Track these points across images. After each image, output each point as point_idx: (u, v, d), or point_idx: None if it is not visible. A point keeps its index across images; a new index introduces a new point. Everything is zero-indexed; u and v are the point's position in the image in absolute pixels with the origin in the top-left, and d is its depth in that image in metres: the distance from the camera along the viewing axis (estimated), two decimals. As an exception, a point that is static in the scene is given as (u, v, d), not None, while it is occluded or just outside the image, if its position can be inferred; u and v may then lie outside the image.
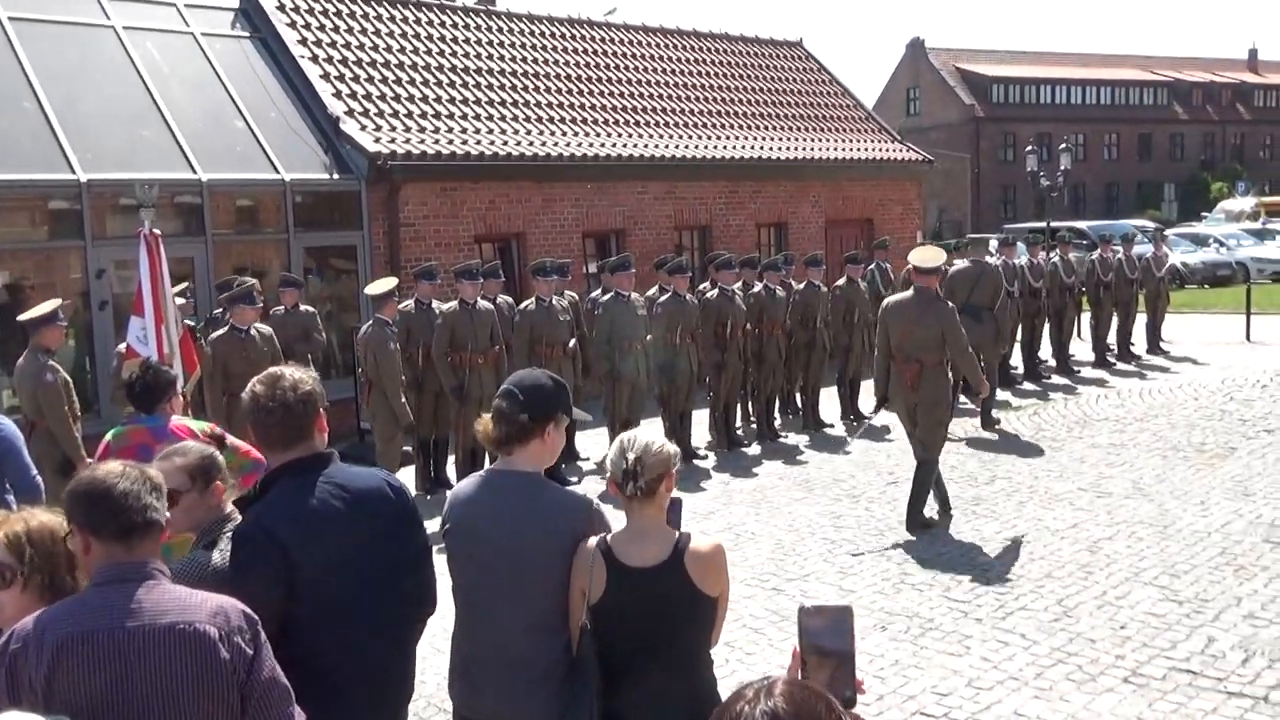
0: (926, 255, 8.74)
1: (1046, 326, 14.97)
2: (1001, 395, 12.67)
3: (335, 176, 13.27)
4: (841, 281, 12.50)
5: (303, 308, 10.78)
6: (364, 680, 3.17)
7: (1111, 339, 16.08)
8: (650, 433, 3.26)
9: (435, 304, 10.18)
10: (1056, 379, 14.62)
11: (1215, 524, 7.95)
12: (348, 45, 14.82)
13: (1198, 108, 60.85)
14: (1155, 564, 7.17)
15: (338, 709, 3.04)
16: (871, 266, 14.02)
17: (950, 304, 8.59)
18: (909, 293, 8.49)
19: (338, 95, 13.90)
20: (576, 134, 15.85)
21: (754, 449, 11.37)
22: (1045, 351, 15.16)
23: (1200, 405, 11.54)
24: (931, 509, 8.47)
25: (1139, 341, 16.52)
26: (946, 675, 5.66)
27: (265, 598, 2.96)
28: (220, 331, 9.15)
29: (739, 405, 12.01)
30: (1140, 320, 16.45)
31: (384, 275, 11.74)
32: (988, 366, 11.80)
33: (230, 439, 4.63)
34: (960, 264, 12.56)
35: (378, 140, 13.40)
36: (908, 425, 8.41)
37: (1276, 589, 6.62)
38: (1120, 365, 15.63)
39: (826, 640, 2.04)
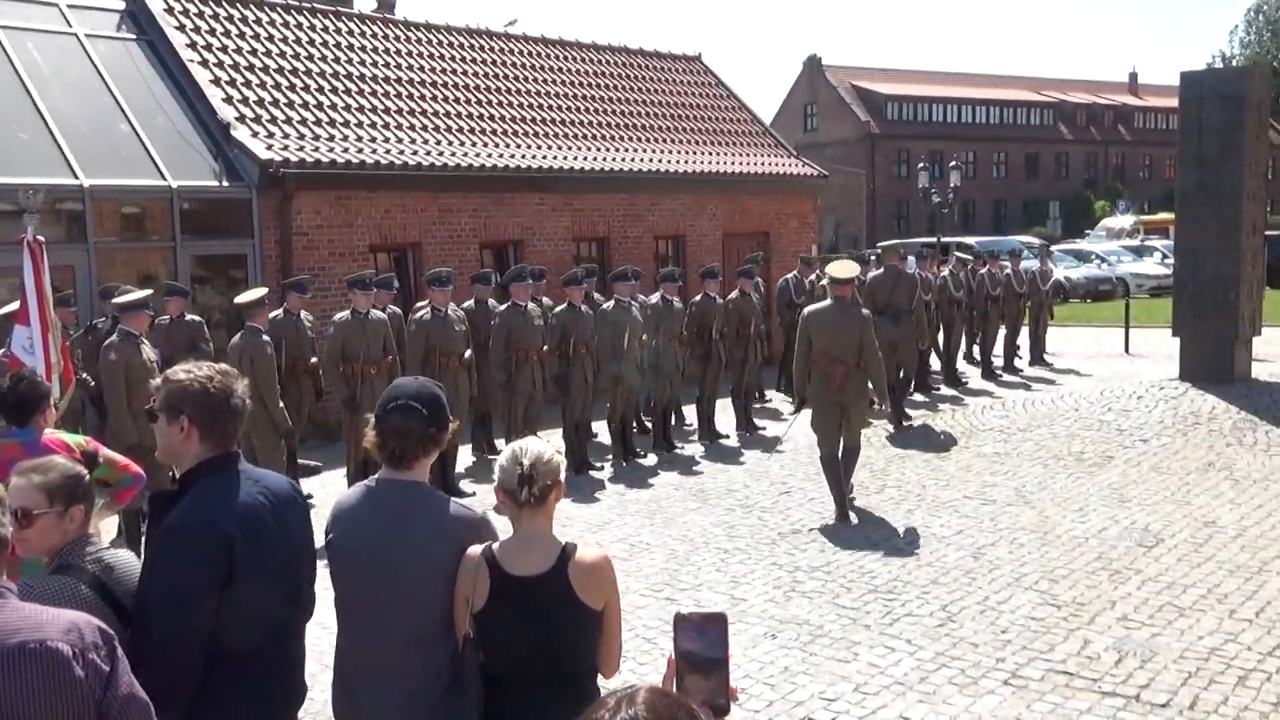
0: (842, 268, 9.36)
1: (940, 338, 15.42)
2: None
3: (225, 184, 12.95)
4: (734, 294, 12.63)
5: (189, 317, 10.51)
6: (289, 682, 3.15)
7: (997, 351, 16.57)
8: (540, 442, 3.24)
9: (304, 315, 10.37)
10: (945, 390, 14.99)
11: (1093, 530, 8.23)
12: (239, 50, 14.50)
13: (1082, 128, 63.08)
14: (1036, 569, 7.39)
15: (263, 709, 3.03)
16: None
17: (867, 311, 9.25)
18: (828, 301, 9.05)
19: (228, 101, 13.59)
20: (474, 144, 15.75)
21: (650, 460, 11.42)
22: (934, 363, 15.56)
23: (1080, 416, 11.91)
24: (827, 515, 8.71)
25: (1024, 354, 17.04)
26: (834, 681, 5.75)
27: (205, 592, 2.88)
28: (114, 339, 8.85)
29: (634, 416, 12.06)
30: (1024, 333, 16.98)
31: (275, 284, 11.53)
32: (907, 366, 12.86)
33: (105, 453, 4.49)
34: (876, 271, 13.38)
35: (270, 147, 13.12)
36: (827, 424, 8.84)
37: (1149, 592, 6.87)
38: (1006, 376, 16.10)
39: (701, 647, 2.03)
